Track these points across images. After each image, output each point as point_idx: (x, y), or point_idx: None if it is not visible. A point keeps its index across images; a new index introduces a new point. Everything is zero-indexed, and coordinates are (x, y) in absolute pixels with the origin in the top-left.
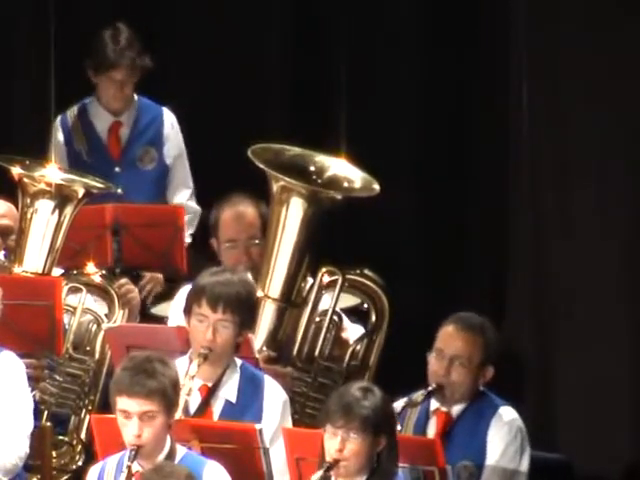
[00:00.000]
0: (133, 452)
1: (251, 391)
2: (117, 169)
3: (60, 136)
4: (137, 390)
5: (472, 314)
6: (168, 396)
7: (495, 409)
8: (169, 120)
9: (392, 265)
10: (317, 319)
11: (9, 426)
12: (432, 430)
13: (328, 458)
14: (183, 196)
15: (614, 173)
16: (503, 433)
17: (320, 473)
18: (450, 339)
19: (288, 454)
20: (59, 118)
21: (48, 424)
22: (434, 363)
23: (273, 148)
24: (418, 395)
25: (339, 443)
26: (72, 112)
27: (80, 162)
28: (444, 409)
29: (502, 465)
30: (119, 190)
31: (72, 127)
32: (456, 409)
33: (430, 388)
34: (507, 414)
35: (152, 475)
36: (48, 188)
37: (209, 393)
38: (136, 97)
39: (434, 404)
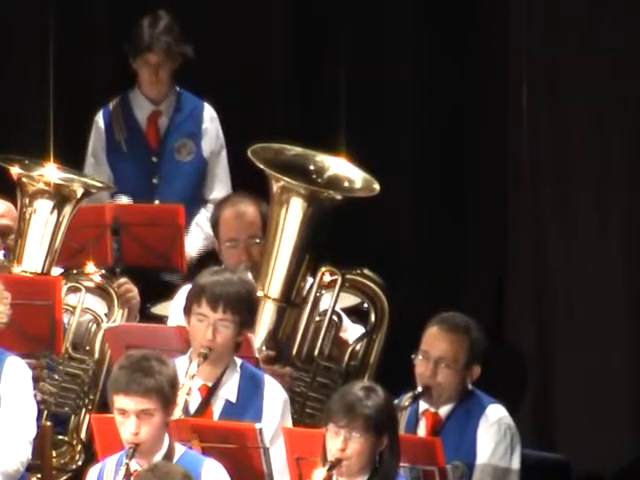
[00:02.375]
0: (131, 450)
1: (251, 391)
2: (154, 159)
3: (101, 127)
4: (134, 388)
5: (456, 314)
6: (165, 394)
7: (483, 408)
8: (209, 114)
9: (392, 265)
10: (317, 319)
11: (12, 431)
12: (422, 431)
13: (330, 457)
14: (219, 193)
15: (614, 173)
16: (492, 432)
17: (323, 472)
18: (435, 341)
19: (288, 454)
20: (101, 110)
21: (48, 424)
22: (420, 365)
23: (273, 147)
24: (406, 398)
25: (341, 442)
26: (114, 103)
27: (119, 153)
28: (433, 410)
29: (493, 464)
30: (154, 180)
31: (113, 117)
32: (445, 410)
33: (416, 391)
34: (495, 413)
35: (148, 475)
36: (47, 188)
37: (209, 393)
38: (178, 89)
39: (423, 405)
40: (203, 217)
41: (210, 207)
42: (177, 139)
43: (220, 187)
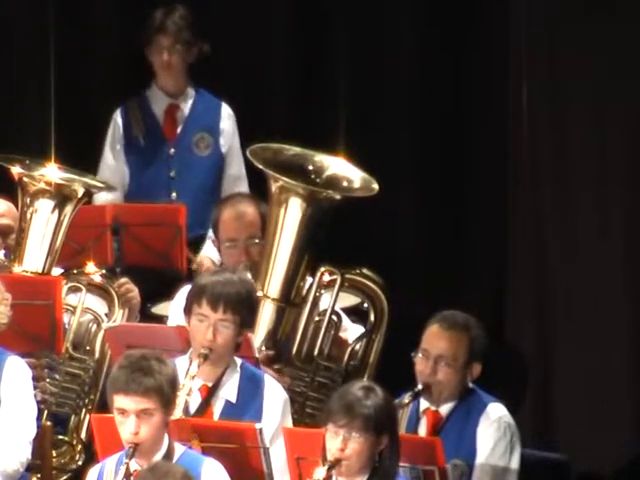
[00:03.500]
0: (131, 450)
1: (251, 391)
2: (172, 151)
3: (118, 125)
4: (134, 388)
5: (456, 312)
6: (165, 394)
7: (483, 406)
8: (226, 111)
9: (391, 265)
10: (316, 319)
11: (12, 431)
12: (423, 430)
13: (330, 457)
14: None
15: (614, 173)
16: (492, 430)
17: (322, 472)
18: (434, 339)
19: (288, 453)
20: (119, 108)
21: (48, 423)
22: (420, 363)
23: (272, 147)
24: (406, 397)
25: (341, 442)
26: (132, 100)
27: (137, 148)
28: (434, 408)
29: (492, 462)
30: (172, 174)
31: (130, 113)
32: (445, 408)
33: (416, 389)
34: (495, 411)
35: (147, 475)
36: (48, 187)
37: (209, 393)
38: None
39: (424, 404)
40: None
41: None
42: (195, 132)
43: (243, 184)
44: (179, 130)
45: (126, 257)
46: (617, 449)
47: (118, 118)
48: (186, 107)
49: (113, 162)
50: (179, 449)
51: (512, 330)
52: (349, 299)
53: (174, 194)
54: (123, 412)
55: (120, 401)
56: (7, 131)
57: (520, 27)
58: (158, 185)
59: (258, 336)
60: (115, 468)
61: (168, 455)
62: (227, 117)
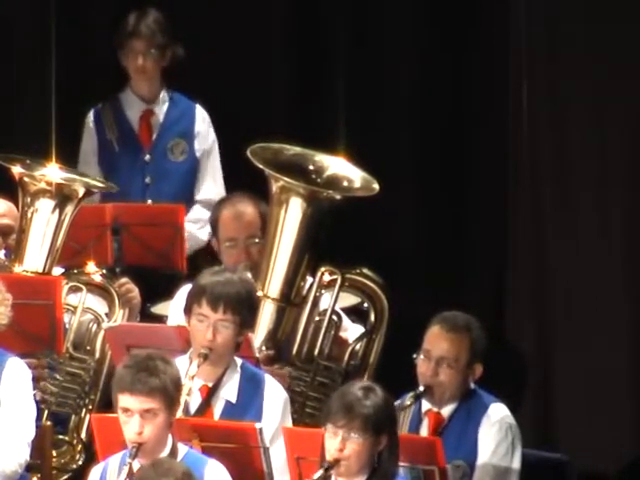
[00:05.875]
0: (134, 449)
1: (251, 391)
2: (147, 157)
3: (91, 128)
4: (139, 388)
5: (457, 313)
6: (169, 394)
7: (485, 407)
8: (201, 115)
9: (392, 265)
10: (316, 318)
11: (11, 432)
12: (425, 431)
13: (329, 457)
14: (208, 192)
15: (614, 173)
16: (493, 431)
17: (320, 472)
18: (436, 340)
19: (288, 453)
20: (92, 110)
21: (48, 423)
22: (422, 365)
23: (272, 147)
24: (408, 398)
25: (340, 442)
26: (103, 103)
27: (111, 152)
28: (435, 410)
29: (493, 463)
30: (147, 180)
31: (104, 117)
32: (447, 409)
33: (418, 391)
34: (497, 412)
35: (149, 471)
36: (48, 187)
37: (209, 393)
38: (169, 91)
39: (426, 405)
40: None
41: (196, 208)
42: (170, 139)
43: (207, 188)
44: (154, 137)
45: (126, 257)
46: (617, 449)
47: (91, 122)
48: (161, 113)
49: (85, 167)
50: (182, 449)
51: (512, 330)
52: (349, 299)
53: (149, 200)
54: (127, 412)
55: (125, 400)
56: (7, 131)
57: (520, 27)
58: (133, 191)
59: (258, 336)
60: (118, 467)
61: (172, 455)
62: (202, 120)
